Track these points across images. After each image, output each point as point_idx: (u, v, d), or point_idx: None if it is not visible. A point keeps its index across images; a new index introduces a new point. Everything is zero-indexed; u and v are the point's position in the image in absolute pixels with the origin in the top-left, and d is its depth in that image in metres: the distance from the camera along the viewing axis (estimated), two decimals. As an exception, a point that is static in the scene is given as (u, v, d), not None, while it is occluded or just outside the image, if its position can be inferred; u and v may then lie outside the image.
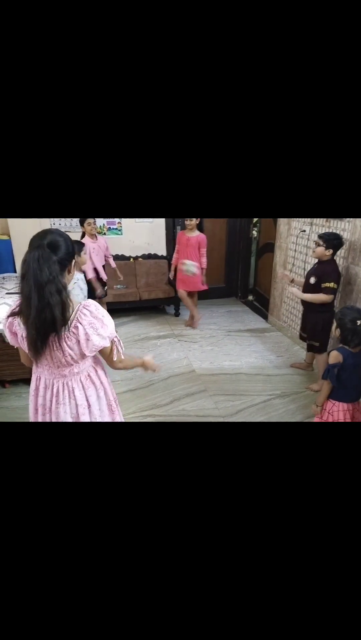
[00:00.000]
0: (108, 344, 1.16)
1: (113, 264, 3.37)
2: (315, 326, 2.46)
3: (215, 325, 3.74)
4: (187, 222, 3.36)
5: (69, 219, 3.81)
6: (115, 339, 1.19)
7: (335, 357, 1.68)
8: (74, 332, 1.10)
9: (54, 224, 3.79)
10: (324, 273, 2.33)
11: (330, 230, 2.68)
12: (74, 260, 1.12)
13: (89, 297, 3.22)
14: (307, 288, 2.45)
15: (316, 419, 1.84)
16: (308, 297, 2.40)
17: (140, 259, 4.07)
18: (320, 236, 2.37)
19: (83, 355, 1.15)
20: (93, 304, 1.14)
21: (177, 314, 3.99)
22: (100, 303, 3.35)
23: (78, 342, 1.11)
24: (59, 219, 3.80)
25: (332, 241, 2.31)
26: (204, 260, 3.41)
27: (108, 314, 1.17)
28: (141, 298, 3.80)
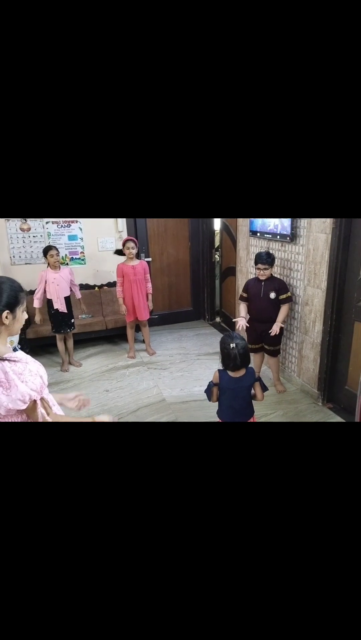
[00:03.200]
0: (20, 407, 1.04)
1: (78, 294, 3.27)
2: (273, 336, 2.64)
3: (185, 349, 3.74)
4: (129, 251, 3.25)
5: (28, 250, 3.73)
6: (37, 401, 1.06)
7: (214, 376, 1.84)
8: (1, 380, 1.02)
9: (13, 256, 3.70)
10: (279, 287, 2.61)
11: (285, 254, 2.82)
12: (7, 312, 1.05)
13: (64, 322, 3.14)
14: (269, 303, 2.63)
15: None
16: (282, 317, 2.63)
17: (105, 287, 4.04)
18: (262, 262, 2.57)
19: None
20: (13, 358, 1.05)
21: (144, 341, 3.95)
22: (67, 336, 3.27)
23: None
24: (18, 250, 3.71)
25: (273, 259, 2.60)
26: (150, 285, 3.40)
27: (32, 371, 1.06)
28: (107, 327, 3.74)
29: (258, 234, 3.15)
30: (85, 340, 3.77)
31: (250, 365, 1.83)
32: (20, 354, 1.09)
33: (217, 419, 2.55)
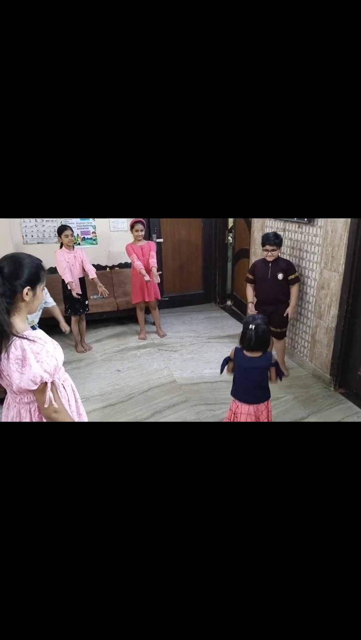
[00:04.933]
0: (31, 387, 1.03)
1: (93, 274, 3.14)
2: (283, 316, 2.65)
3: (195, 332, 3.73)
4: (138, 233, 3.22)
5: (40, 229, 3.71)
6: (47, 383, 1.05)
7: (231, 351, 1.89)
8: (4, 364, 1.03)
9: (25, 235, 3.68)
10: (287, 268, 2.57)
11: (302, 235, 2.75)
12: (28, 289, 1.04)
13: (80, 302, 3.12)
14: (276, 284, 2.60)
15: (225, 420, 2.01)
16: (295, 300, 2.62)
17: (117, 268, 4.02)
18: (270, 242, 2.53)
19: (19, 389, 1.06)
20: (33, 337, 1.04)
21: (154, 323, 3.95)
22: (80, 318, 3.26)
23: (8, 373, 1.04)
24: (30, 228, 3.69)
25: (280, 240, 2.55)
26: (153, 260, 3.26)
27: (49, 352, 1.05)
28: (119, 308, 3.74)
29: (274, 215, 3.06)
30: (97, 321, 3.78)
31: (268, 351, 1.85)
32: (40, 332, 1.09)
33: (226, 402, 2.57)
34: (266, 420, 1.88)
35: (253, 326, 1.74)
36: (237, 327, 3.83)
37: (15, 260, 1.05)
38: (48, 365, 1.05)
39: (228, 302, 4.47)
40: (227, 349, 3.33)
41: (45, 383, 1.05)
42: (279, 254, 2.57)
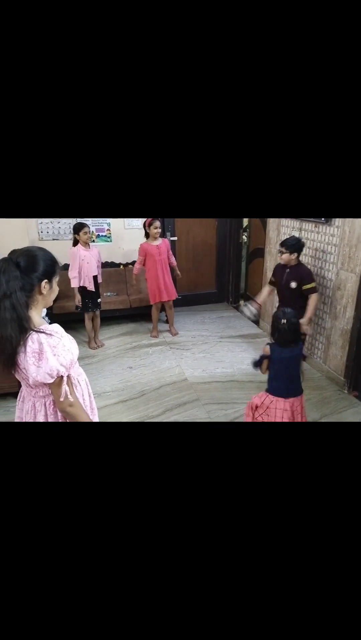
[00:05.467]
0: (47, 380, 1.04)
1: (100, 278, 3.24)
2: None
3: (207, 331, 3.71)
4: (156, 230, 3.24)
5: (56, 226, 3.76)
6: (63, 377, 1.06)
7: (264, 349, 1.89)
8: (22, 357, 1.04)
9: (41, 231, 3.74)
10: (301, 277, 2.44)
11: (319, 235, 2.71)
12: (45, 282, 1.06)
13: (83, 304, 3.17)
14: (288, 293, 2.52)
15: (247, 419, 1.95)
16: (312, 312, 2.46)
17: (130, 265, 4.03)
18: (282, 244, 2.45)
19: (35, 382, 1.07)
20: (50, 331, 1.05)
21: (167, 321, 3.95)
22: (94, 315, 3.30)
23: (25, 367, 1.05)
24: (46, 225, 3.74)
25: (294, 245, 2.42)
26: (173, 259, 3.43)
27: (65, 346, 1.06)
28: (131, 305, 3.76)
29: (290, 215, 3.03)
30: (110, 318, 3.80)
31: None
32: (56, 327, 1.10)
33: (238, 402, 2.55)
34: (300, 416, 1.88)
35: (285, 320, 1.76)
36: (249, 327, 3.81)
37: (31, 254, 1.05)
38: (64, 359, 1.05)
39: (242, 302, 4.44)
40: (239, 349, 3.32)
41: (61, 377, 1.06)
42: (296, 260, 2.44)
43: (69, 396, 1.08)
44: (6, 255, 1.06)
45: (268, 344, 1.88)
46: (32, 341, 1.03)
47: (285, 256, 2.43)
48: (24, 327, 1.01)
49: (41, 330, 1.05)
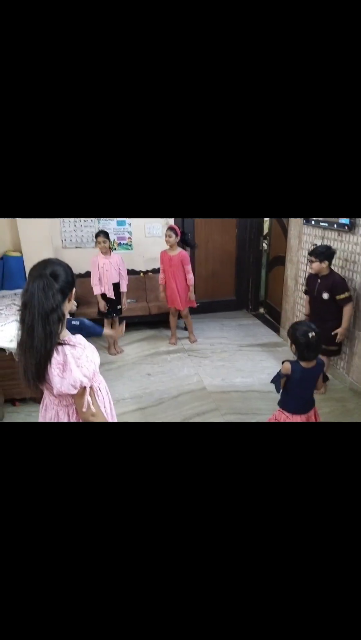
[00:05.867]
0: (71, 391, 1.05)
1: (124, 287, 3.27)
2: (331, 335, 2.45)
3: (226, 339, 3.69)
4: (166, 239, 3.25)
5: (79, 234, 3.84)
6: (86, 388, 1.07)
7: (285, 368, 1.75)
8: (58, 360, 1.05)
9: (64, 239, 3.83)
10: (333, 286, 2.35)
11: (342, 244, 2.65)
12: (73, 289, 1.11)
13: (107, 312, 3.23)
14: (322, 304, 2.44)
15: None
16: (348, 323, 2.40)
17: (150, 273, 4.07)
18: (311, 253, 2.40)
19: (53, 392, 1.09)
20: (75, 343, 1.07)
21: (186, 328, 3.95)
22: (113, 321, 3.35)
23: (49, 379, 1.06)
24: (69, 233, 3.84)
25: (324, 253, 2.36)
26: (190, 277, 3.31)
27: (88, 357, 1.07)
28: (151, 312, 3.79)
29: (313, 222, 2.98)
30: (130, 324, 3.83)
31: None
32: (80, 338, 1.11)
33: (258, 413, 2.50)
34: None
35: (313, 334, 1.66)
36: (269, 336, 3.75)
37: (59, 266, 1.08)
38: (87, 370, 1.07)
39: (261, 310, 4.39)
40: (259, 358, 3.28)
41: (84, 387, 1.08)
42: (327, 269, 2.37)
43: (91, 406, 1.09)
44: (32, 265, 1.08)
45: (288, 361, 1.76)
46: (57, 352, 1.04)
47: (316, 265, 2.36)
48: (56, 341, 1.03)
49: (65, 342, 1.06)
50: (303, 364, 1.72)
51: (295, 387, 1.76)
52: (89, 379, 1.07)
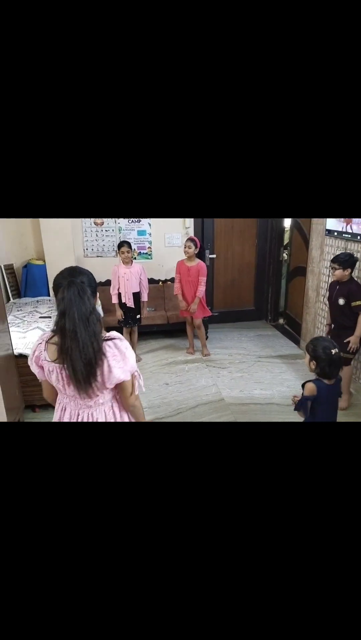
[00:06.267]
0: (128, 378, 1.17)
1: (145, 296, 3.29)
2: (344, 342, 2.42)
3: (245, 350, 3.65)
4: (185, 250, 3.25)
5: (100, 244, 3.92)
6: (136, 373, 1.20)
7: (310, 389, 1.61)
8: (98, 364, 1.10)
9: (86, 248, 3.91)
10: (350, 293, 2.36)
11: (353, 253, 2.59)
12: (97, 293, 1.19)
13: (127, 320, 3.27)
14: (338, 309, 2.45)
15: None
16: (360, 330, 2.36)
17: (169, 282, 4.09)
18: (334, 260, 2.41)
19: (105, 387, 1.16)
20: (117, 336, 1.16)
21: (205, 337, 3.94)
22: (132, 330, 3.38)
23: (102, 373, 1.12)
24: (91, 243, 3.91)
25: (347, 261, 2.37)
26: (201, 289, 3.26)
27: (131, 348, 1.18)
28: (169, 321, 3.80)
29: (336, 233, 2.93)
30: (148, 333, 3.86)
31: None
32: (116, 333, 1.18)
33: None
34: None
35: (335, 350, 1.58)
36: (289, 347, 3.69)
37: (84, 272, 1.13)
38: (133, 359, 1.17)
39: (281, 321, 4.33)
40: (278, 370, 3.22)
41: (134, 373, 1.20)
42: (349, 276, 2.37)
43: (143, 388, 1.24)
44: (56, 274, 1.13)
45: (311, 381, 1.63)
46: (109, 347, 1.12)
47: (338, 272, 2.38)
48: (101, 338, 1.10)
49: (112, 337, 1.15)
50: (326, 381, 1.63)
51: (322, 408, 1.63)
52: (135, 366, 1.19)
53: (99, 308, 2.65)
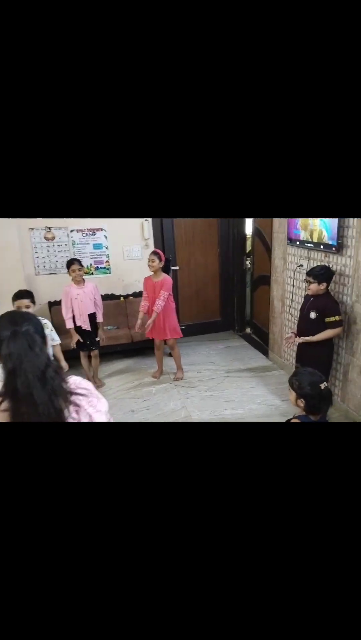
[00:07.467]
0: (107, 418, 1.00)
1: (100, 317, 3.03)
2: (318, 359, 2.29)
3: (214, 365, 3.51)
4: (149, 264, 2.98)
5: (52, 260, 3.63)
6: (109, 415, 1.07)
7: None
8: (73, 417, 0.93)
9: (37, 266, 3.61)
10: (325, 308, 2.24)
11: (327, 265, 2.50)
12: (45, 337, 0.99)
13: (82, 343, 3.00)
14: (308, 323, 2.33)
15: None
16: (320, 337, 2.27)
17: (131, 297, 3.88)
18: (309, 273, 2.29)
19: None
20: (83, 381, 1.02)
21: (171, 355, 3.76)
22: (91, 354, 3.11)
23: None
24: (42, 259, 3.61)
25: (323, 275, 2.24)
26: (159, 303, 2.95)
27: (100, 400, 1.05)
28: (133, 339, 3.57)
29: (298, 242, 2.87)
30: (110, 353, 3.61)
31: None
32: (77, 378, 1.04)
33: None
34: None
35: (324, 385, 1.47)
36: (257, 359, 3.60)
37: (23, 314, 0.95)
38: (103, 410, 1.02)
39: (248, 330, 4.25)
40: (249, 385, 3.10)
41: None
42: (321, 289, 2.24)
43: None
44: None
45: (295, 418, 1.52)
46: (83, 395, 0.97)
47: (313, 286, 2.24)
48: (63, 394, 0.92)
49: (78, 383, 1.00)
50: (313, 417, 1.50)
51: None
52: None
53: (53, 333, 2.38)
